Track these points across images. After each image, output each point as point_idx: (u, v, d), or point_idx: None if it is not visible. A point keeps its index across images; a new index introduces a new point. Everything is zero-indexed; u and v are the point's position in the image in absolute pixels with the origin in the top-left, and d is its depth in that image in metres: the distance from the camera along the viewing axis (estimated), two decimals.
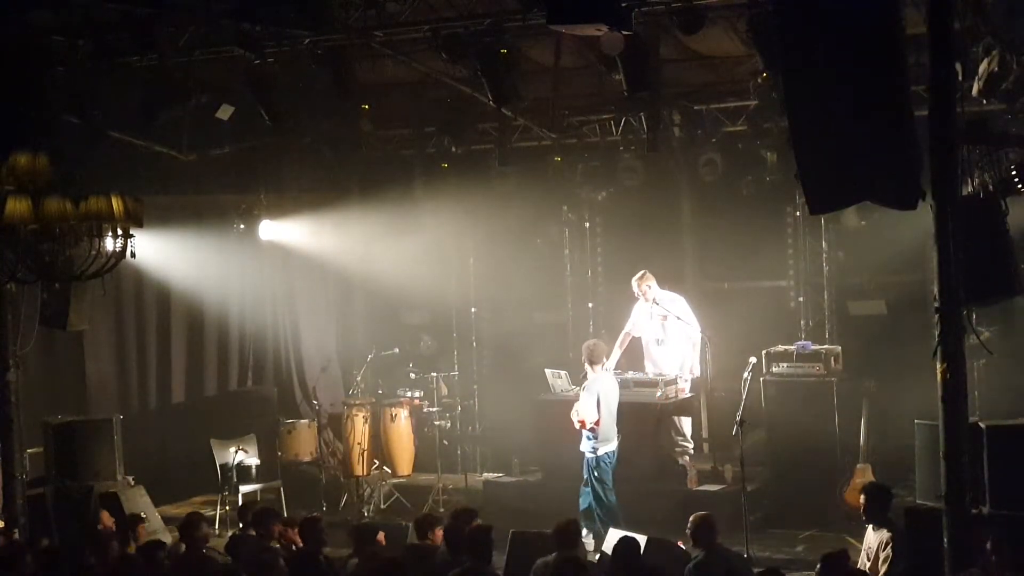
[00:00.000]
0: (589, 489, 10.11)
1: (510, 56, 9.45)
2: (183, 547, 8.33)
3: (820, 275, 13.10)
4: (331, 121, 12.77)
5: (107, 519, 9.21)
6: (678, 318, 11.51)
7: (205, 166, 12.63)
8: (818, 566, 6.81)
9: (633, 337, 11.82)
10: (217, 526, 11.09)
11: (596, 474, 10.10)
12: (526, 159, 13.18)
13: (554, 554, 7.48)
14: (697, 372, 11.57)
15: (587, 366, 10.35)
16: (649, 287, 11.57)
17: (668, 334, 11.65)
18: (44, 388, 12.06)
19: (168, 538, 10.17)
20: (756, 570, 8.26)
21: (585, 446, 10.20)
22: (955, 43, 6.12)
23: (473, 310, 14.57)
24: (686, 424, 11.72)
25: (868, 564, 7.77)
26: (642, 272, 11.62)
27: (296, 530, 8.30)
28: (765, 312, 13.18)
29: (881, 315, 12.67)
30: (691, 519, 7.69)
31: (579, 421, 10.19)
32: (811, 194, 5.95)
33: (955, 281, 5.93)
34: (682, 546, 8.28)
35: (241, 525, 9.11)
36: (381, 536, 8.10)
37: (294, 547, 8.24)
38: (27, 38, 9.23)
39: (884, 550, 7.70)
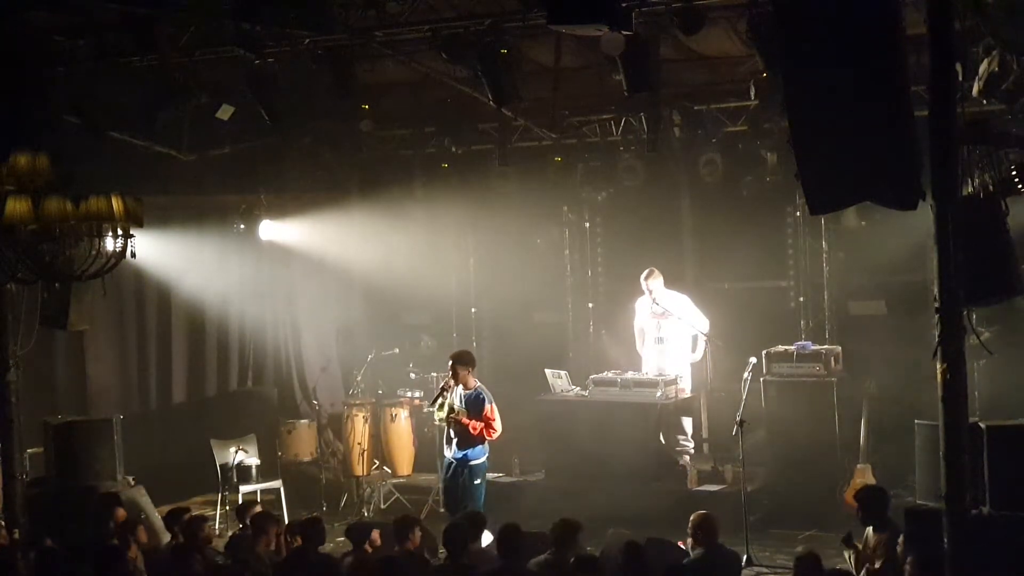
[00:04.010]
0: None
1: (510, 56, 9.45)
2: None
3: (820, 275, 13.11)
4: (331, 121, 12.78)
5: (122, 515, 9.23)
6: (679, 319, 11.54)
7: (205, 166, 12.62)
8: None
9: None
10: (217, 526, 11.09)
11: (477, 480, 10.10)
12: (526, 159, 13.18)
13: (548, 553, 7.50)
14: (698, 356, 11.56)
15: (468, 373, 10.18)
16: (657, 285, 11.63)
17: (667, 333, 11.67)
18: (44, 388, 12.07)
19: (167, 538, 10.19)
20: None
21: (479, 452, 10.13)
22: (955, 43, 6.10)
23: (473, 310, 14.59)
24: (687, 424, 11.73)
25: (868, 565, 7.79)
26: (650, 269, 11.68)
27: (297, 536, 8.32)
28: (765, 312, 13.19)
29: (881, 315, 12.67)
30: (692, 517, 7.70)
31: (494, 434, 10.12)
32: (811, 194, 5.94)
33: (955, 281, 5.92)
34: (682, 546, 8.28)
35: (241, 525, 9.13)
36: (376, 535, 8.11)
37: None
38: (27, 38, 9.22)
39: (880, 548, 7.71)
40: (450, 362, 10.31)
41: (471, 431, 10.03)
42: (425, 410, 12.77)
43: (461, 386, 10.20)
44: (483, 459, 10.18)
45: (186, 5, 9.27)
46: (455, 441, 10.16)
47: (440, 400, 10.27)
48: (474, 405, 10.07)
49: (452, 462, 10.20)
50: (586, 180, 13.24)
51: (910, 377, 10.42)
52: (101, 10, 9.35)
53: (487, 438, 10.11)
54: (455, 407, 10.13)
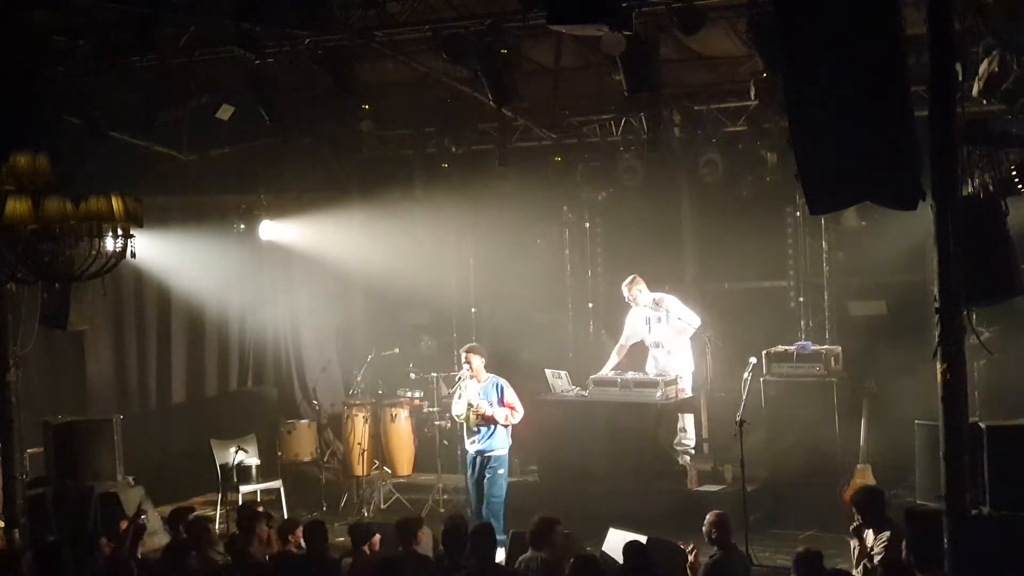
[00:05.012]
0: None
1: (510, 56, 9.45)
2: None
3: (820, 275, 13.11)
4: (331, 121, 12.78)
5: (124, 524, 9.25)
6: (679, 319, 11.53)
7: (205, 166, 12.63)
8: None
9: (633, 344, 11.88)
10: (217, 526, 11.09)
11: (501, 471, 10.27)
12: (526, 159, 13.18)
13: (529, 551, 7.53)
14: (692, 366, 11.59)
15: (480, 365, 10.41)
16: (640, 291, 11.59)
17: (662, 337, 11.65)
18: (44, 388, 12.06)
19: (168, 538, 10.21)
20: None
21: (503, 444, 10.32)
22: (955, 43, 6.11)
23: (473, 310, 14.58)
24: (689, 422, 11.71)
25: (867, 562, 7.81)
26: (632, 277, 11.66)
27: (290, 536, 8.33)
28: (765, 312, 13.18)
29: (881, 315, 12.67)
30: (709, 517, 7.71)
31: (518, 415, 10.34)
32: (811, 194, 5.94)
33: (955, 281, 5.92)
34: (682, 546, 8.29)
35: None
36: (376, 539, 8.12)
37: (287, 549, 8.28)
38: (27, 38, 9.22)
39: (880, 545, 7.73)
40: (464, 353, 10.51)
41: (497, 420, 10.23)
42: (426, 408, 12.77)
43: (474, 380, 10.36)
44: (505, 451, 10.35)
45: (186, 5, 9.26)
46: (477, 435, 10.30)
47: (458, 394, 10.46)
48: (496, 394, 10.29)
49: (475, 456, 10.33)
50: (586, 180, 13.23)
51: (910, 377, 10.40)
52: (101, 10, 9.34)
53: (512, 422, 10.30)
54: (472, 402, 10.28)
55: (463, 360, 10.52)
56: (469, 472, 10.50)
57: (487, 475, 10.22)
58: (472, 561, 7.46)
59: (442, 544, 7.85)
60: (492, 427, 10.27)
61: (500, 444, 10.31)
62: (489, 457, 10.27)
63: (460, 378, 10.57)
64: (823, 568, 7.12)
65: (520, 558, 7.64)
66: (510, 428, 10.38)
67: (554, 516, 7.81)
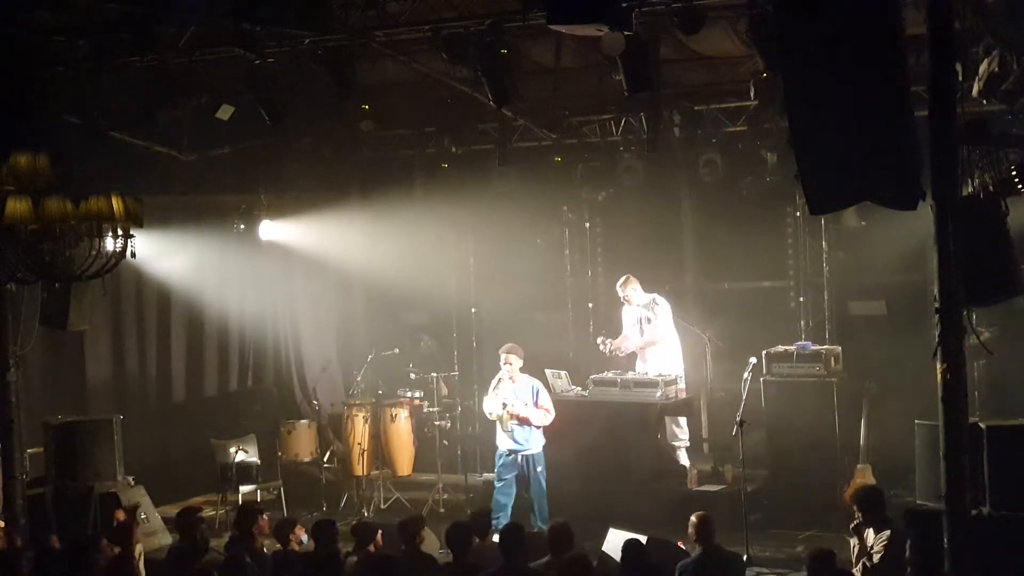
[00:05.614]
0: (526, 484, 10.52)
1: (510, 56, 9.44)
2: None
3: (820, 275, 13.11)
4: (331, 121, 12.78)
5: (120, 515, 9.27)
6: (673, 322, 11.54)
7: (205, 166, 12.62)
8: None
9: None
10: (217, 526, 11.10)
11: (539, 468, 10.48)
12: (526, 159, 13.18)
13: (547, 557, 7.53)
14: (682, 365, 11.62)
15: (518, 365, 10.62)
16: (634, 291, 11.61)
17: (649, 337, 11.64)
18: (44, 388, 12.07)
19: (168, 538, 10.23)
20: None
21: (538, 442, 10.53)
22: (955, 43, 6.10)
23: (473, 310, 14.58)
24: (682, 422, 11.72)
25: (866, 561, 7.82)
26: (625, 277, 11.68)
27: (298, 531, 8.35)
28: (765, 312, 13.19)
29: (881, 315, 12.68)
30: (694, 518, 7.72)
31: (545, 423, 10.52)
32: (811, 194, 5.93)
33: (955, 281, 5.92)
34: (682, 546, 8.30)
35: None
36: (379, 536, 8.12)
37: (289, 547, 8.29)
38: (27, 38, 9.22)
39: (880, 544, 7.74)
40: (504, 354, 10.67)
41: (531, 421, 10.46)
42: (426, 408, 12.77)
43: (509, 380, 10.55)
44: (541, 449, 10.57)
45: (186, 5, 9.26)
46: (512, 434, 10.51)
47: (495, 390, 10.64)
48: (532, 397, 10.52)
49: (512, 453, 10.52)
50: (586, 180, 13.23)
51: (910, 377, 10.41)
52: (101, 10, 9.34)
53: (543, 423, 10.53)
54: (507, 402, 10.49)
55: (503, 360, 10.65)
56: (504, 467, 10.59)
57: (536, 475, 10.46)
58: (504, 561, 7.45)
59: (446, 543, 7.86)
60: (528, 427, 10.49)
61: (537, 443, 10.56)
62: (529, 457, 10.50)
63: (499, 377, 10.70)
64: (835, 567, 7.11)
65: (537, 562, 7.62)
66: (541, 428, 10.57)
67: (568, 524, 7.86)
